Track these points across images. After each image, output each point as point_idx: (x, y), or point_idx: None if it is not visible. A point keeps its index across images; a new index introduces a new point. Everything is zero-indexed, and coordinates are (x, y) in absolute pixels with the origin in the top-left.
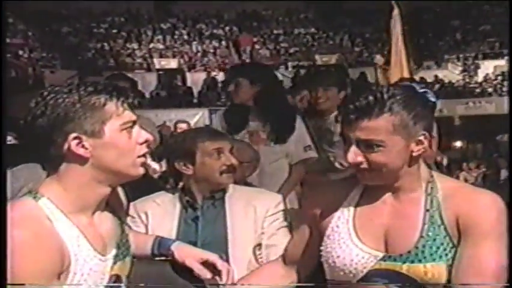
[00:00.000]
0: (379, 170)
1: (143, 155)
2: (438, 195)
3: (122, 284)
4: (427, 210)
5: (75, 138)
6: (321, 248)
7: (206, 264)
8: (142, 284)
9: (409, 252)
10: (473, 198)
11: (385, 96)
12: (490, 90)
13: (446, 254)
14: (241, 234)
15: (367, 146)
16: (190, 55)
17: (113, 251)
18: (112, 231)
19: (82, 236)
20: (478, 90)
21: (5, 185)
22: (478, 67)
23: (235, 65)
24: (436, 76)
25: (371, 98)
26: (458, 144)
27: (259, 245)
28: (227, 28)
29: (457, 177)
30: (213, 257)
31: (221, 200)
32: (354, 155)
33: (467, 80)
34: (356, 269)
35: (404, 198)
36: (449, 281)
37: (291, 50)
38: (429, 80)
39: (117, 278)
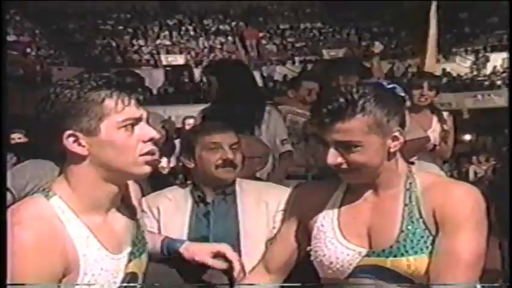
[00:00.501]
0: (359, 169)
1: (148, 153)
2: (416, 190)
3: (137, 284)
4: (406, 205)
5: (70, 135)
6: (310, 247)
7: (218, 256)
8: (157, 284)
9: (391, 246)
10: (449, 190)
11: (355, 96)
12: (498, 82)
13: (427, 247)
14: (253, 229)
15: (345, 147)
16: (197, 51)
17: (128, 249)
18: (127, 229)
19: (92, 236)
20: (486, 83)
21: (5, 185)
22: (486, 60)
23: (207, 65)
24: (444, 69)
25: (341, 100)
26: (467, 137)
27: (272, 239)
28: (233, 23)
29: (467, 171)
30: (223, 247)
31: (232, 195)
32: (333, 157)
33: (476, 73)
34: (342, 266)
35: (384, 195)
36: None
37: (298, 45)
38: (437, 74)
39: (133, 276)
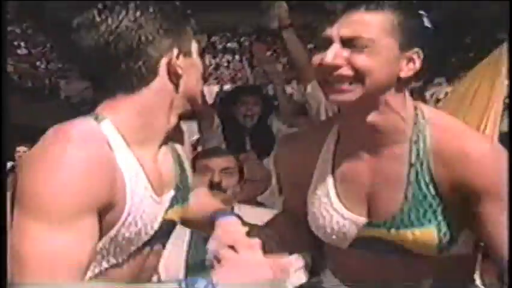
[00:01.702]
0: (362, 79)
1: None
2: (426, 144)
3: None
4: (412, 166)
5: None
6: (308, 217)
7: None
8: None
9: (394, 217)
10: (469, 148)
11: None
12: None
13: (436, 217)
14: None
15: (352, 45)
16: (204, 68)
17: (172, 193)
18: (173, 171)
19: (142, 172)
20: None
21: (5, 184)
22: None
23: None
24: (447, 93)
25: None
26: None
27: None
28: (241, 40)
29: None
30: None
31: None
32: (334, 54)
33: None
34: (338, 237)
35: (386, 151)
36: (440, 247)
37: None
38: (441, 96)
39: (170, 223)
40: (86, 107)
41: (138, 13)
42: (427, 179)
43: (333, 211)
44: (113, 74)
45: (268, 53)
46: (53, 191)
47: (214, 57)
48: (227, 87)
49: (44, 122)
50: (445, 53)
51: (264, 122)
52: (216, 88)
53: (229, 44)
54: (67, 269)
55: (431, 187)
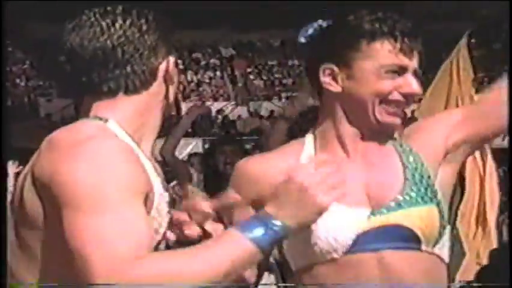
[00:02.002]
0: (407, 107)
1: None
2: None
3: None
4: (402, 150)
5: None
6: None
7: None
8: None
9: (397, 201)
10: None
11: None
12: None
13: (436, 196)
14: None
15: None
16: (184, 85)
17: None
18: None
19: (153, 168)
20: None
21: (5, 184)
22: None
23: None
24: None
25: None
26: None
27: None
28: (223, 57)
29: None
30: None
31: None
32: (417, 84)
33: None
34: (342, 236)
35: (373, 146)
36: (439, 230)
37: (285, 81)
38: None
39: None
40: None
41: (143, 20)
42: (417, 159)
43: (336, 212)
44: (115, 75)
45: (249, 70)
46: (107, 180)
47: (195, 74)
48: (209, 103)
49: (24, 142)
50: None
51: None
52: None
53: (211, 60)
54: (136, 249)
55: (423, 169)
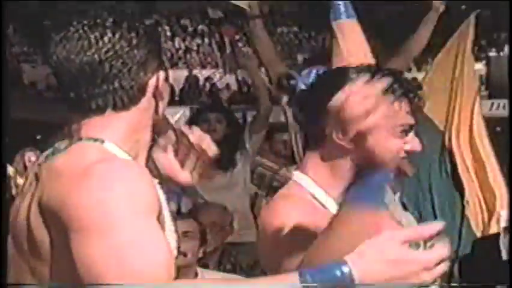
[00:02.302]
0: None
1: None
2: None
3: None
4: None
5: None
6: None
7: None
8: None
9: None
10: None
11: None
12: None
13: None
14: None
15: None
16: (172, 52)
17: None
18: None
19: (157, 185)
20: None
21: (5, 184)
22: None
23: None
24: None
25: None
26: None
27: None
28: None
29: None
30: None
31: None
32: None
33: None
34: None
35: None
36: None
37: None
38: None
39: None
40: (51, 94)
41: (133, 33)
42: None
43: None
44: (102, 91)
45: (237, 37)
46: (127, 202)
47: (183, 41)
48: (196, 71)
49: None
50: None
51: (231, 138)
52: (185, 72)
53: (199, 27)
54: (163, 270)
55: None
